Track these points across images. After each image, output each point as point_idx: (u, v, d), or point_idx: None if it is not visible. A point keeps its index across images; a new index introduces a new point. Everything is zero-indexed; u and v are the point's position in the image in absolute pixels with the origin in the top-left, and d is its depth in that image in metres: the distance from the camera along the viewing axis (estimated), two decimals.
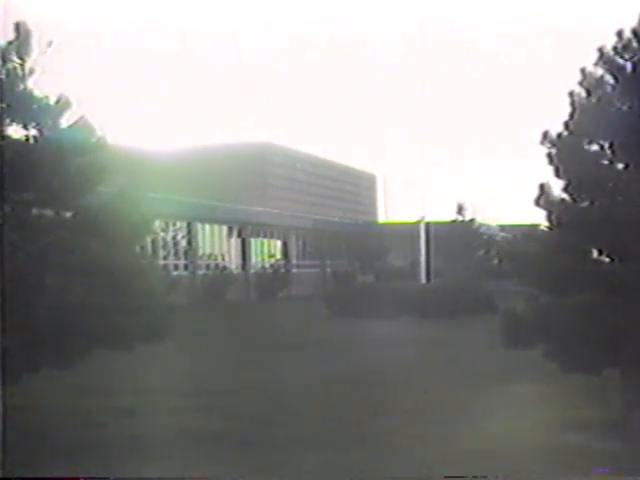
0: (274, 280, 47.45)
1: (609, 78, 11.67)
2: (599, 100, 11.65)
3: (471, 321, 27.36)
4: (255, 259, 49.48)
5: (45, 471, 9.23)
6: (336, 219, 61.98)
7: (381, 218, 72.83)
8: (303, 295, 45.35)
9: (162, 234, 39.53)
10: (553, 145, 11.82)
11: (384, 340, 22.66)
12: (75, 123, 11.34)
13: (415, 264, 43.32)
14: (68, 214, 11.35)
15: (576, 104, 11.71)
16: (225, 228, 47.27)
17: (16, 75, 11.02)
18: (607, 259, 11.72)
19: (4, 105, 10.99)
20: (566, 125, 11.82)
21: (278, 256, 52.83)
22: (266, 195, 62.01)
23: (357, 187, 77.95)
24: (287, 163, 67.06)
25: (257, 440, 11.06)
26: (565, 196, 11.77)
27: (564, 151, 11.77)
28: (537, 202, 11.81)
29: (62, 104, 11.24)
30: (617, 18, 12.14)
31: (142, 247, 12.28)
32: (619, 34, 11.56)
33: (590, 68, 11.72)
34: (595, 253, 11.77)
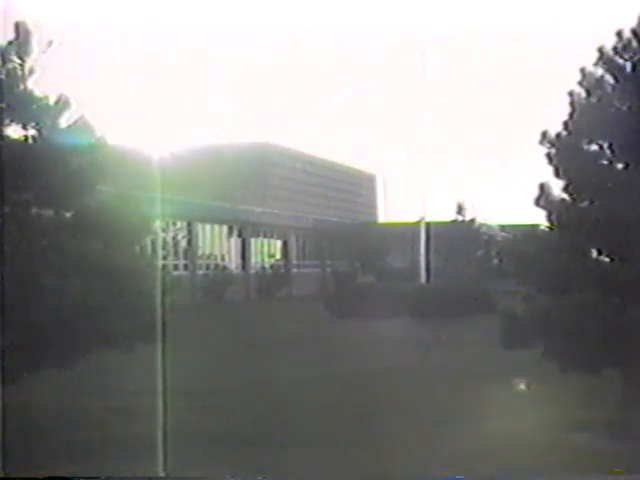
0: (274, 280, 47.38)
1: (609, 78, 11.67)
2: (599, 100, 11.65)
3: (471, 321, 27.32)
4: (255, 259, 49.43)
5: (45, 471, 9.23)
6: (336, 219, 61.92)
7: (381, 218, 72.80)
8: (303, 295, 45.30)
9: (162, 234, 39.45)
10: (553, 145, 11.82)
11: (384, 340, 22.64)
12: (75, 123, 11.33)
13: (415, 264, 43.28)
14: (68, 214, 11.35)
15: (576, 104, 11.71)
16: (225, 228, 47.22)
17: (16, 75, 11.01)
18: (607, 259, 11.71)
19: (4, 105, 10.98)
20: (566, 125, 11.81)
21: (278, 256, 52.78)
22: (266, 195, 61.97)
23: (357, 187, 77.93)
24: (287, 163, 67.05)
25: (256, 440, 11.07)
26: (565, 196, 11.77)
27: (564, 151, 11.77)
28: (537, 202, 11.81)
29: (62, 104, 11.23)
30: (617, 18, 12.14)
31: (142, 247, 12.25)
32: (619, 34, 11.56)
33: (590, 68, 11.72)
34: (595, 253, 11.77)
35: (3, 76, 11.01)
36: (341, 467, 9.97)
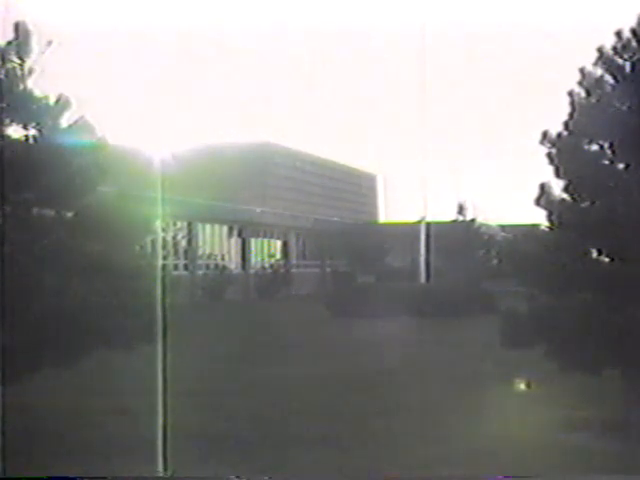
0: (274, 280, 47.38)
1: (608, 78, 11.67)
2: (599, 100, 11.65)
3: (471, 321, 27.34)
4: (255, 259, 49.43)
5: (45, 471, 9.23)
6: (336, 219, 61.92)
7: (381, 218, 72.80)
8: (303, 295, 45.31)
9: (162, 234, 39.38)
10: (553, 145, 11.82)
11: (383, 340, 22.63)
12: (75, 123, 11.34)
13: (415, 264, 43.26)
14: (68, 214, 11.35)
15: (576, 104, 11.71)
16: (225, 228, 47.22)
17: (16, 75, 11.01)
18: (607, 259, 11.72)
19: (4, 105, 10.99)
20: (566, 125, 11.82)
21: (278, 256, 52.78)
22: (266, 195, 61.92)
23: (357, 187, 77.89)
24: (287, 163, 67.00)
25: (256, 440, 11.07)
26: (565, 196, 11.78)
27: (564, 151, 11.77)
28: (537, 202, 11.81)
29: (62, 104, 11.24)
30: (617, 18, 12.15)
31: (142, 247, 12.25)
32: (618, 34, 11.57)
33: (589, 68, 11.72)
34: (595, 253, 11.78)
35: (3, 76, 11.01)
36: (341, 467, 9.97)
